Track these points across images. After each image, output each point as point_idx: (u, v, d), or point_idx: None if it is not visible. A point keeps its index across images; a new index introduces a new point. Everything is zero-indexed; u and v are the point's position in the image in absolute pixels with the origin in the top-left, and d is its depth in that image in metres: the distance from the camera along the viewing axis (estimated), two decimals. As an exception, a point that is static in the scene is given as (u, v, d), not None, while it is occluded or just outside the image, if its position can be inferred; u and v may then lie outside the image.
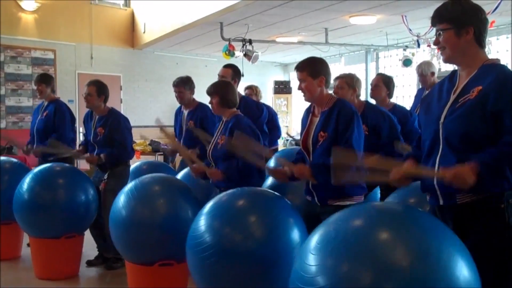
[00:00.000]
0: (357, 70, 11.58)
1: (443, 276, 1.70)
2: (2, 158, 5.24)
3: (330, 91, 3.19)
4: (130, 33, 11.70)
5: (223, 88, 3.71)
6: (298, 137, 3.51)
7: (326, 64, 3.02)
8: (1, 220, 4.81)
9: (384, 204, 2.43)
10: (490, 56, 2.20)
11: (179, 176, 4.33)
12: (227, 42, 9.52)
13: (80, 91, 9.53)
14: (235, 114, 3.67)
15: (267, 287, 2.70)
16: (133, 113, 10.67)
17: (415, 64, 7.93)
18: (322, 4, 7.72)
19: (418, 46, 9.38)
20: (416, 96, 5.45)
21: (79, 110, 10.14)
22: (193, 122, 4.76)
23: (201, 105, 4.87)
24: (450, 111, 2.11)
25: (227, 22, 8.94)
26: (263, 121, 4.88)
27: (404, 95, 11.08)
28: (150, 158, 8.67)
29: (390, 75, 4.75)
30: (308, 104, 3.15)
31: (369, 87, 4.68)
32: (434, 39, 2.23)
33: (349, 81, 3.86)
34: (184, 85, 4.84)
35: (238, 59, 9.59)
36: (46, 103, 5.33)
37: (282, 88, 13.48)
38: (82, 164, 6.61)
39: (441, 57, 2.21)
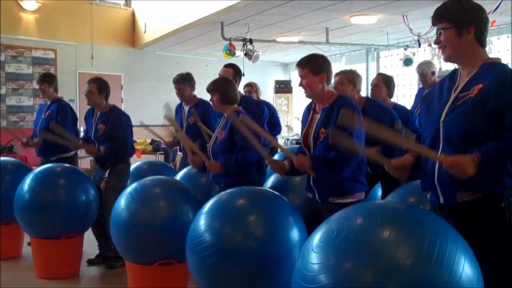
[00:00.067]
0: (358, 69, 11.51)
1: (446, 274, 1.70)
2: (3, 158, 5.24)
3: (331, 88, 3.19)
4: (130, 33, 11.72)
5: (223, 85, 3.72)
6: (298, 137, 3.51)
7: (327, 61, 3.02)
8: (1, 220, 4.81)
9: (386, 203, 2.43)
10: (490, 56, 2.20)
11: (179, 175, 4.33)
12: (228, 42, 9.53)
13: (81, 91, 9.53)
14: (236, 110, 3.68)
15: (266, 286, 2.70)
16: (134, 112, 10.59)
17: (415, 64, 7.93)
18: (323, 4, 7.73)
19: (419, 45, 9.38)
20: (416, 96, 5.45)
21: (80, 109, 10.15)
22: (194, 118, 4.76)
23: (202, 101, 4.87)
24: (451, 109, 2.12)
25: (228, 21, 8.95)
26: (264, 121, 4.89)
27: (405, 94, 11.09)
28: (151, 158, 8.68)
29: (390, 75, 4.75)
30: (308, 101, 3.15)
31: (370, 87, 4.68)
32: (434, 38, 2.23)
33: (350, 77, 3.87)
34: (184, 81, 4.85)
35: (239, 59, 9.60)
36: (48, 103, 5.33)
37: (282, 87, 13.48)
38: (83, 164, 6.63)
39: (442, 56, 2.21)
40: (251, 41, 9.53)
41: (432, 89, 2.34)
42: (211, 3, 8.31)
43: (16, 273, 4.63)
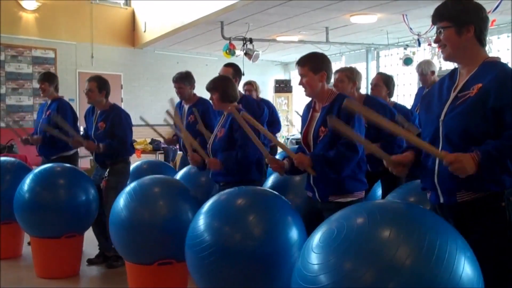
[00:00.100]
0: (358, 69, 11.56)
1: (446, 274, 1.70)
2: (3, 158, 5.24)
3: (331, 87, 3.18)
4: (130, 32, 11.71)
5: (222, 83, 3.72)
6: (299, 136, 3.51)
7: (327, 60, 3.02)
8: (1, 220, 4.81)
9: (386, 202, 2.43)
10: (490, 55, 2.20)
11: (179, 175, 4.33)
12: (228, 41, 9.52)
13: (81, 90, 9.53)
14: (236, 108, 3.68)
15: (266, 286, 2.70)
16: (134, 112, 10.61)
17: (415, 63, 7.93)
18: (323, 3, 7.72)
19: (419, 45, 9.38)
20: (416, 95, 5.45)
21: (79, 109, 10.15)
22: (194, 116, 4.76)
23: (201, 100, 4.88)
24: (450, 108, 2.11)
25: (228, 21, 8.94)
26: (264, 121, 4.89)
27: (405, 94, 11.08)
28: (151, 157, 8.68)
29: (390, 74, 4.75)
30: (308, 101, 3.15)
31: (370, 86, 4.68)
32: (434, 37, 2.23)
33: (349, 74, 3.87)
34: (183, 80, 4.85)
35: (239, 58, 9.60)
36: (49, 102, 5.33)
37: (282, 87, 13.48)
38: (83, 163, 6.63)
39: (442, 55, 2.21)
40: (251, 40, 9.52)
41: (432, 89, 2.34)
42: (211, 2, 8.31)
43: (16, 272, 4.63)
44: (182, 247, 2.91)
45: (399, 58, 10.34)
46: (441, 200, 2.15)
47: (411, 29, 8.61)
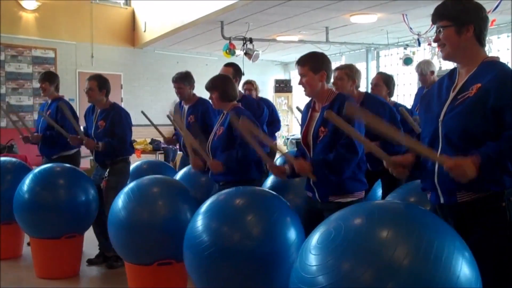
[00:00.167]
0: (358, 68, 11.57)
1: (444, 274, 1.70)
2: (3, 158, 5.24)
3: (331, 86, 3.18)
4: (130, 32, 11.71)
5: (221, 82, 3.71)
6: (299, 136, 3.50)
7: (327, 59, 3.01)
8: (2, 220, 4.81)
9: (385, 203, 2.42)
10: (490, 55, 2.20)
11: (179, 175, 4.32)
12: (228, 41, 9.52)
13: (81, 90, 9.54)
14: (235, 106, 3.67)
15: (264, 286, 2.69)
16: (134, 112, 10.62)
17: (415, 63, 7.93)
18: (323, 3, 7.72)
19: (419, 44, 9.38)
20: (416, 95, 5.45)
21: (79, 108, 10.15)
22: (194, 117, 4.76)
23: (201, 100, 4.87)
24: (450, 108, 2.11)
25: (228, 21, 8.94)
26: (263, 121, 4.89)
27: (405, 93, 11.09)
28: (151, 157, 8.68)
29: (390, 74, 4.75)
30: (308, 100, 3.15)
31: (370, 86, 4.68)
32: (434, 36, 2.23)
33: (349, 72, 3.86)
34: (183, 81, 4.85)
35: (239, 58, 9.60)
36: (49, 102, 5.33)
37: (282, 86, 13.48)
38: (83, 163, 6.62)
39: (441, 54, 2.21)
40: (251, 40, 9.52)
41: (431, 89, 2.34)
42: (211, 2, 8.31)
43: (16, 273, 4.63)
44: (181, 247, 2.90)
45: (399, 58, 10.35)
46: (442, 201, 2.15)
47: (411, 28, 8.62)
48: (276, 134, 6.92)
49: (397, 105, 4.41)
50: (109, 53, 11.39)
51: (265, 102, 5.95)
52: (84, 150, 5.15)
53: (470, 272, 1.77)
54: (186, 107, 4.91)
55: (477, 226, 2.06)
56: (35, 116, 9.85)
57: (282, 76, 14.33)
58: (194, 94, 4.94)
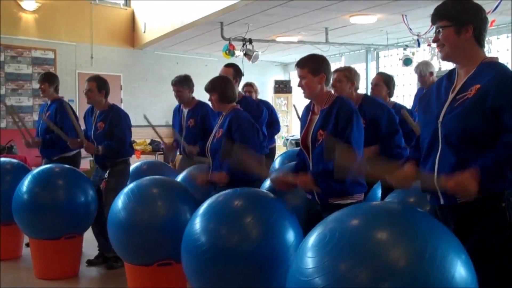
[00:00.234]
0: (358, 69, 11.55)
1: (439, 275, 1.70)
2: (3, 159, 5.24)
3: (330, 89, 3.18)
4: (130, 33, 11.70)
5: (221, 84, 3.71)
6: (298, 137, 3.50)
7: (327, 62, 3.01)
8: (1, 221, 4.81)
9: (381, 204, 2.43)
10: (489, 55, 2.20)
11: (179, 177, 4.31)
12: (227, 42, 9.52)
13: (81, 91, 9.53)
14: (234, 108, 3.67)
15: (262, 287, 2.69)
16: (133, 112, 10.62)
17: (415, 64, 7.93)
18: (322, 4, 7.72)
19: (418, 45, 9.38)
20: (416, 96, 5.46)
21: (79, 109, 10.14)
22: (194, 120, 4.76)
23: (200, 103, 4.87)
24: (449, 109, 2.11)
25: (227, 21, 8.94)
26: (262, 122, 4.90)
27: (405, 94, 11.08)
28: (150, 158, 8.68)
29: (391, 74, 4.75)
30: (308, 101, 3.15)
31: (370, 86, 4.68)
32: (434, 37, 2.23)
33: (348, 75, 3.86)
34: (182, 84, 4.84)
35: (238, 59, 9.59)
36: (49, 103, 5.33)
37: (282, 87, 13.48)
38: (82, 164, 6.62)
39: (440, 55, 2.21)
40: (250, 41, 9.52)
41: (430, 90, 2.33)
42: (210, 3, 8.31)
43: (15, 274, 4.63)
44: (181, 247, 2.90)
45: (399, 59, 10.34)
46: (441, 202, 2.15)
47: (410, 29, 8.61)
48: (276, 135, 6.92)
49: (397, 106, 4.42)
50: (108, 54, 11.38)
51: (265, 103, 5.95)
52: (84, 151, 5.15)
53: (465, 272, 1.77)
54: (185, 110, 4.91)
55: (477, 227, 2.07)
56: (35, 117, 9.84)
57: (281, 76, 14.32)
58: (193, 98, 4.94)
